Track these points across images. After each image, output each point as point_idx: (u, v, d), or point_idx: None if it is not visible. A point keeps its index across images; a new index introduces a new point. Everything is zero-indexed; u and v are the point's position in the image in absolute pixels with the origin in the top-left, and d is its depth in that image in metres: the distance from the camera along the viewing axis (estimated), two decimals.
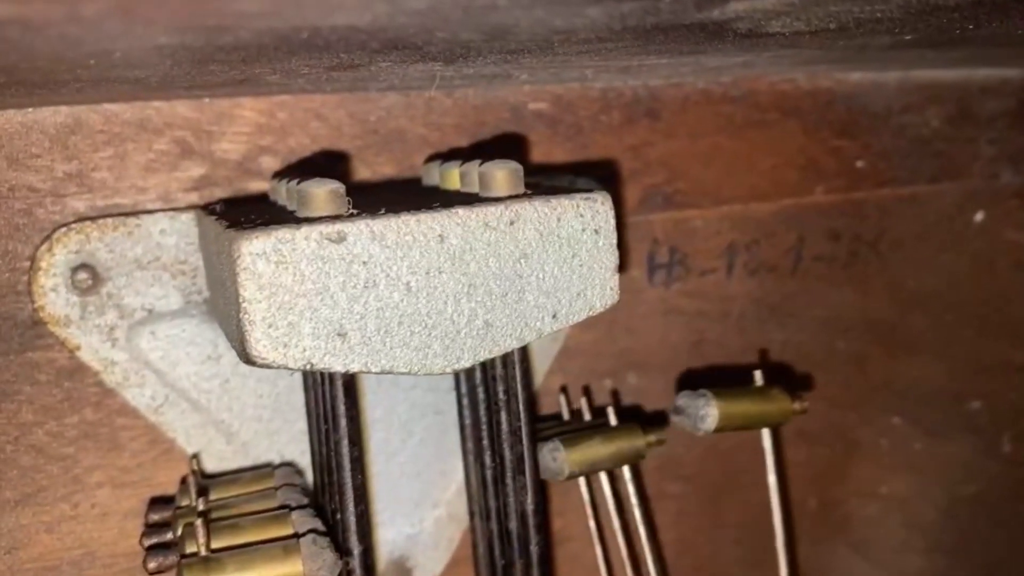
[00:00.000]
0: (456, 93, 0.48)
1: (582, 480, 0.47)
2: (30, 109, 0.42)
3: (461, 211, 0.33)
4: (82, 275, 0.42)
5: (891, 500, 0.62)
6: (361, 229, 0.32)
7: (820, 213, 0.57)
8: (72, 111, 0.43)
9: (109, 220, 0.43)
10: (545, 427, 0.46)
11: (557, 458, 0.42)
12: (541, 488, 0.40)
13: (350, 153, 0.47)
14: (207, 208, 0.42)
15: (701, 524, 0.57)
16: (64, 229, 0.42)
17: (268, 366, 0.32)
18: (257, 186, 0.46)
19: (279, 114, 0.46)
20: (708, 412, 0.44)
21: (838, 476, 0.61)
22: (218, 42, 0.24)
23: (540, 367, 0.51)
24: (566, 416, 0.48)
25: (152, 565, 0.35)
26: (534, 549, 0.39)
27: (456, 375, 0.44)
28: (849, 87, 0.56)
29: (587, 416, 0.47)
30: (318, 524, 0.36)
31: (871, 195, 0.58)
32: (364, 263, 0.33)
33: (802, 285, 0.58)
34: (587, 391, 0.51)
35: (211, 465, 0.45)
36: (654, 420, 0.53)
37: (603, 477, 0.47)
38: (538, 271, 0.35)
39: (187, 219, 0.44)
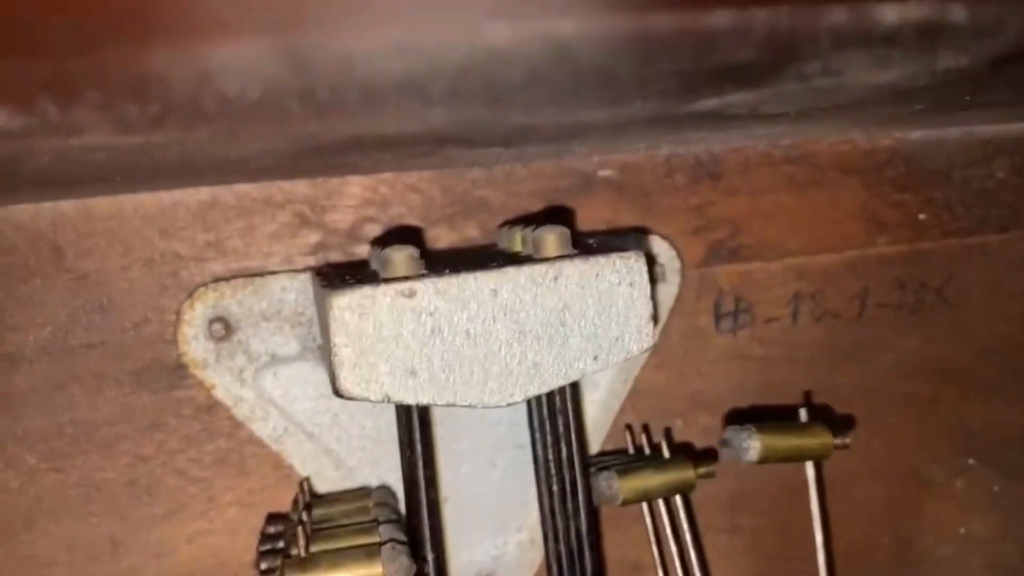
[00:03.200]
0: (532, 164, 0.55)
1: (645, 509, 0.52)
2: (177, 190, 0.51)
3: (511, 270, 0.40)
4: (217, 326, 0.51)
5: (970, 541, 0.64)
6: (428, 286, 0.39)
7: (884, 263, 0.61)
8: (211, 190, 0.52)
9: (240, 280, 0.51)
10: (607, 460, 0.51)
11: (612, 486, 0.47)
12: (592, 511, 0.46)
13: (441, 220, 0.54)
14: (317, 270, 0.50)
15: (773, 555, 0.61)
16: (203, 288, 0.51)
17: (354, 398, 0.39)
18: (363, 250, 0.54)
19: (381, 189, 0.54)
20: (751, 444, 0.49)
21: (912, 514, 0.63)
22: (301, 148, 0.32)
23: (611, 406, 0.56)
24: (631, 451, 0.53)
25: (263, 566, 0.42)
26: (588, 566, 0.45)
27: (529, 412, 0.51)
28: (909, 145, 0.60)
29: (647, 451, 0.52)
30: (400, 535, 0.43)
31: (937, 245, 0.61)
32: (431, 314, 0.39)
33: (869, 331, 0.61)
34: (646, 429, 0.56)
35: (322, 487, 0.53)
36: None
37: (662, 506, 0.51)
38: (580, 319, 0.41)
39: (304, 278, 0.52)
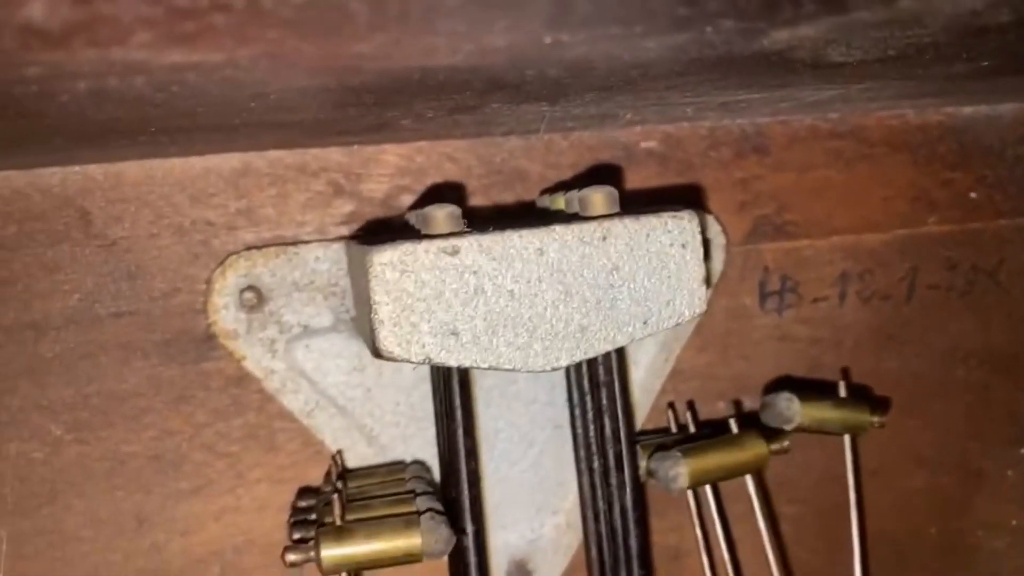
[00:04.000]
0: (572, 135, 0.53)
1: (690, 495, 0.50)
2: (209, 156, 0.50)
3: (558, 228, 0.38)
4: (248, 295, 0.49)
5: (1023, 534, 0.61)
6: (472, 243, 0.38)
7: (934, 243, 0.59)
8: (243, 157, 0.50)
9: (272, 248, 0.50)
10: (651, 439, 0.49)
11: (676, 468, 0.44)
12: (639, 486, 0.44)
13: (478, 191, 0.53)
14: (351, 237, 0.48)
15: (817, 546, 0.58)
16: (235, 256, 0.49)
17: (394, 359, 0.37)
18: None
19: (417, 158, 0.52)
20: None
21: (961, 506, 0.60)
22: (349, 83, 0.30)
23: (652, 386, 0.54)
24: (673, 429, 0.51)
25: (296, 536, 0.40)
26: (633, 543, 0.43)
27: (568, 387, 0.49)
28: (960, 121, 0.58)
29: (692, 430, 0.50)
30: (438, 506, 0.41)
31: (988, 225, 0.59)
32: (474, 273, 0.38)
33: (918, 313, 0.59)
34: (691, 406, 0.54)
35: (354, 464, 0.51)
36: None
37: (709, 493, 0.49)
38: (629, 281, 0.39)
39: (338, 248, 0.50)
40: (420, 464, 0.50)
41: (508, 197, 0.53)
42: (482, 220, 0.42)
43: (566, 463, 0.52)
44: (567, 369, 0.49)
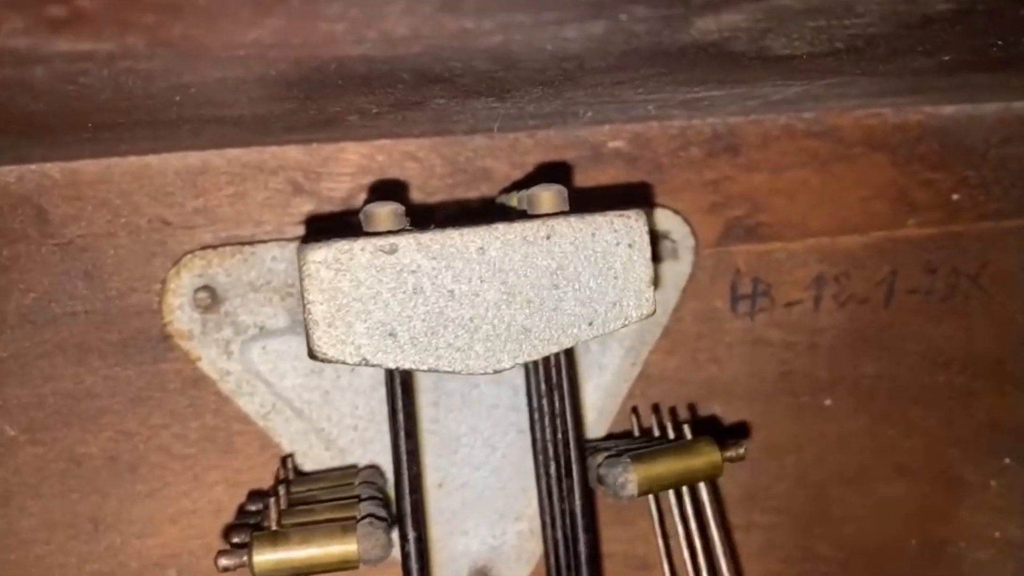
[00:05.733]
0: (537, 134, 0.52)
1: (651, 500, 0.49)
2: (167, 154, 0.49)
3: (501, 226, 0.37)
4: (202, 295, 0.48)
5: (1006, 545, 0.59)
6: (410, 242, 0.37)
7: (914, 245, 0.57)
8: (201, 155, 0.50)
9: (228, 248, 0.49)
10: (612, 444, 0.48)
11: (625, 475, 0.42)
12: (588, 493, 0.42)
13: (441, 190, 0.52)
14: (308, 235, 0.47)
15: (791, 556, 0.57)
16: (190, 255, 0.49)
17: (328, 360, 0.37)
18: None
19: (378, 156, 0.51)
20: (627, 478, 0.42)
21: (943, 517, 0.59)
22: (264, 74, 0.30)
23: (618, 391, 0.53)
24: (636, 434, 0.50)
25: (235, 540, 0.40)
26: (582, 550, 0.42)
27: (528, 389, 0.48)
28: (941, 120, 0.56)
29: (656, 433, 0.48)
30: (381, 512, 0.40)
31: (970, 228, 0.57)
32: (413, 272, 0.37)
33: (897, 318, 0.57)
34: (656, 409, 0.53)
35: (311, 468, 0.50)
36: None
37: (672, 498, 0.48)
38: (574, 281, 0.38)
39: (295, 248, 0.50)
40: (374, 469, 0.49)
41: (472, 196, 0.52)
42: (430, 218, 0.41)
43: (529, 469, 0.51)
44: (526, 372, 0.48)
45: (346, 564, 0.38)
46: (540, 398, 0.45)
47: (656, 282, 0.39)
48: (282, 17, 0.23)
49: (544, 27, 0.27)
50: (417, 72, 0.32)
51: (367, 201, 0.50)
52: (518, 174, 0.52)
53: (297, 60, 0.28)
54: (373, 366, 0.37)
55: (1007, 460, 0.59)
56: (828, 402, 0.57)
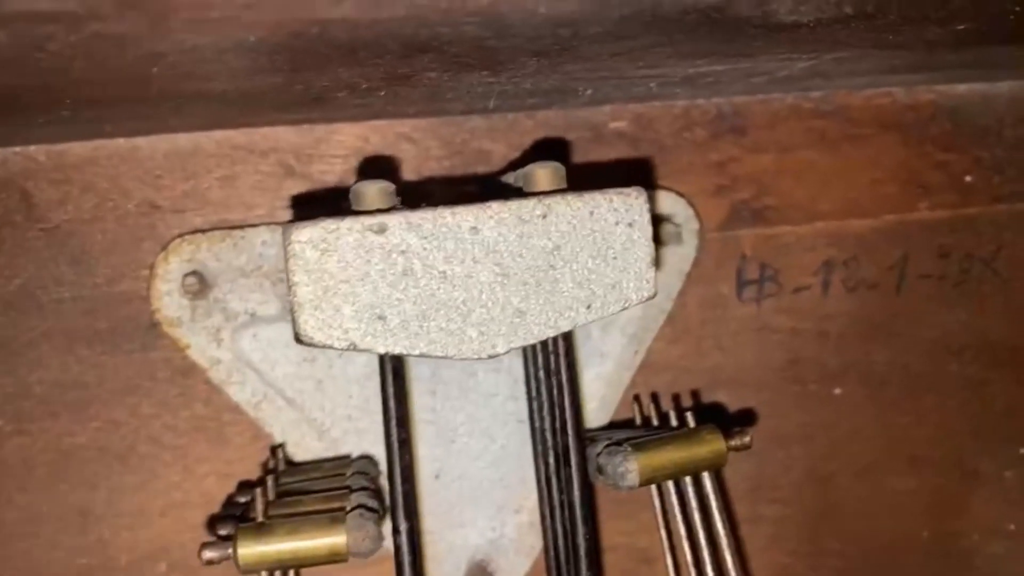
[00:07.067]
0: (537, 114, 0.51)
1: (655, 491, 0.47)
2: (155, 136, 0.48)
3: (495, 204, 0.36)
4: (191, 280, 0.47)
5: (1021, 539, 0.58)
6: (399, 220, 0.35)
7: (926, 229, 0.55)
8: (191, 137, 0.48)
9: (217, 232, 0.48)
10: (613, 434, 0.46)
11: (626, 464, 0.41)
12: (587, 482, 0.41)
13: (437, 172, 0.50)
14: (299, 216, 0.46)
15: (799, 550, 0.55)
16: (178, 240, 0.47)
17: (314, 345, 0.35)
18: None
19: (372, 138, 0.50)
20: (628, 468, 0.40)
21: (956, 508, 0.57)
22: (241, 40, 0.28)
23: (621, 379, 0.51)
24: (638, 422, 0.48)
25: (221, 531, 0.38)
26: (581, 542, 0.40)
27: (527, 377, 0.46)
28: (954, 100, 0.55)
29: (655, 422, 0.47)
30: (372, 503, 0.39)
31: (985, 211, 0.56)
32: (402, 252, 0.35)
33: (908, 304, 0.55)
34: (655, 398, 0.51)
35: (304, 459, 0.49)
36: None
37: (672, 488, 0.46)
38: (572, 263, 0.36)
39: None
40: (368, 459, 0.47)
41: (470, 179, 0.51)
42: (423, 196, 0.39)
43: (528, 459, 0.50)
44: (524, 358, 0.46)
45: (335, 556, 0.37)
46: (539, 385, 0.44)
47: (657, 263, 0.38)
48: None
49: None
50: (404, 41, 0.30)
51: (357, 180, 0.48)
52: (517, 155, 0.51)
53: (275, 24, 0.27)
54: (361, 351, 0.35)
55: (1022, 450, 0.57)
56: (837, 391, 0.55)
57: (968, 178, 0.55)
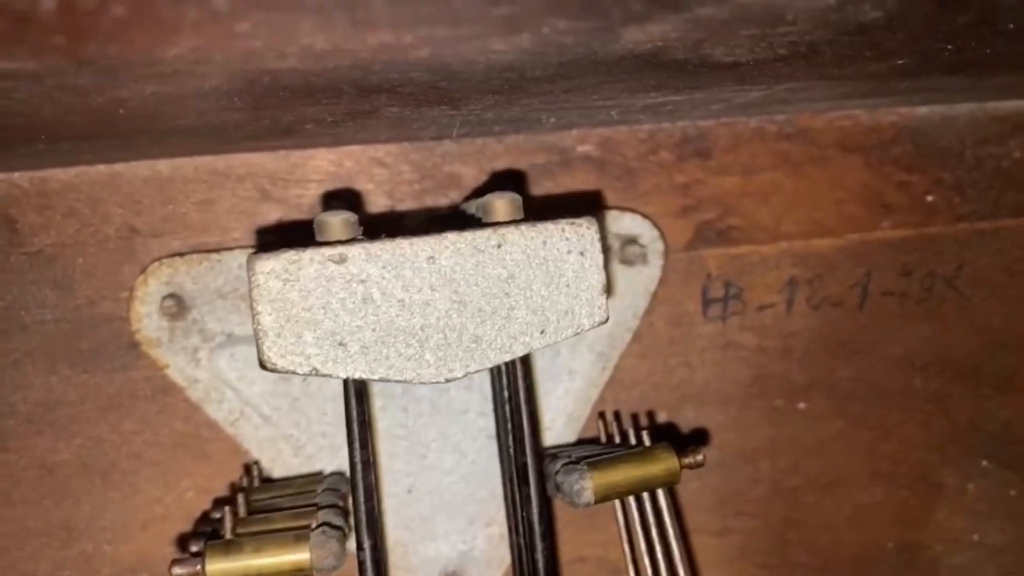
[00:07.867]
0: (506, 139, 0.52)
1: (618, 506, 0.48)
2: (135, 162, 0.49)
3: (451, 235, 0.37)
4: (169, 302, 0.49)
5: (985, 549, 0.59)
6: (359, 251, 0.37)
7: (889, 248, 0.57)
8: (170, 163, 0.50)
9: (195, 255, 0.49)
10: (576, 451, 0.48)
11: (581, 482, 0.42)
12: (544, 499, 0.42)
13: (409, 196, 0.52)
14: (268, 243, 0.47)
15: (767, 562, 0.57)
16: (157, 263, 0.49)
17: (278, 371, 0.37)
18: None
19: (346, 163, 0.51)
20: (583, 486, 0.42)
21: (920, 521, 0.58)
22: (199, 88, 0.30)
23: (589, 396, 0.53)
24: (603, 440, 0.50)
25: (193, 548, 0.40)
26: (539, 558, 0.41)
27: (494, 395, 0.48)
28: (915, 121, 0.56)
29: (617, 440, 0.48)
30: (337, 520, 0.40)
31: (946, 230, 0.57)
32: (362, 281, 0.37)
33: (872, 321, 0.57)
34: (618, 416, 0.53)
35: (281, 475, 0.51)
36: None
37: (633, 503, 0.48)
38: (526, 290, 0.38)
39: None
40: (340, 475, 0.49)
41: (442, 203, 0.52)
42: (385, 227, 0.41)
43: (499, 474, 0.51)
44: (491, 378, 0.48)
45: (300, 574, 0.38)
46: (503, 405, 0.45)
47: (609, 289, 0.39)
48: (193, 36, 0.23)
49: (468, 41, 0.27)
50: (357, 84, 0.32)
51: (323, 210, 0.50)
52: (487, 179, 0.52)
53: (228, 74, 0.28)
54: (323, 376, 0.37)
55: (984, 463, 0.58)
56: (802, 406, 0.56)
57: (930, 198, 0.57)
